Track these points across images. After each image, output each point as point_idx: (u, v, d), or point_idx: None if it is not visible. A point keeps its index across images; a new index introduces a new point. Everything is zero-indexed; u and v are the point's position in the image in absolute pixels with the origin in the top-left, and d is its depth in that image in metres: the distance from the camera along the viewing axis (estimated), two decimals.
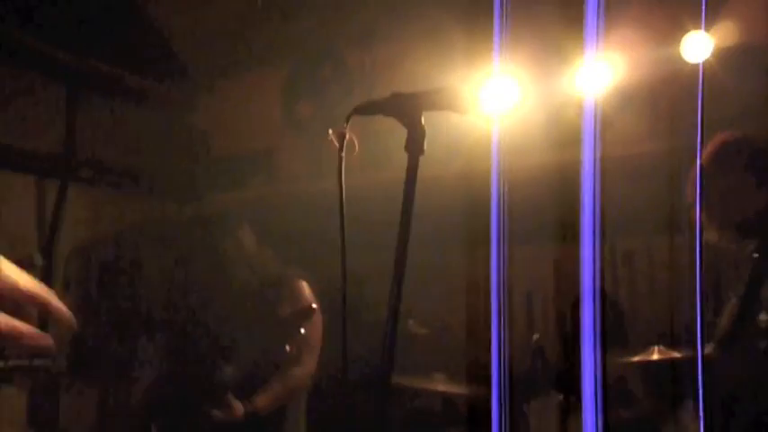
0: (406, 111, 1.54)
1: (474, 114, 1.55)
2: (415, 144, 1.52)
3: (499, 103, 2.81)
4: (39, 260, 2.85)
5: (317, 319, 2.93)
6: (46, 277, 4.20)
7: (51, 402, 3.74)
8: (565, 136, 2.65)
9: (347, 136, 1.55)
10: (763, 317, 2.08)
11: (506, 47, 2.51)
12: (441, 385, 3.30)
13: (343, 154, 1.54)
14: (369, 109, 1.59)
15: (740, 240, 2.36)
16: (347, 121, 1.54)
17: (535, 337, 3.16)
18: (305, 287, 3.13)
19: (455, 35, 3.23)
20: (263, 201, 4.24)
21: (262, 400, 2.96)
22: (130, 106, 4.46)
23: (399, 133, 1.68)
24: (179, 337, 3.35)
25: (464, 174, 3.31)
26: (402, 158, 1.68)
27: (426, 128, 1.72)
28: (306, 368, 3.00)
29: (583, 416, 2.96)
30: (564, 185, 2.66)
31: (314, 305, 2.84)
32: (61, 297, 3.55)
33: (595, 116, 2.48)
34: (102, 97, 4.41)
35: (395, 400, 3.39)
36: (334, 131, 1.54)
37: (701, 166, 2.39)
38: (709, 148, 2.40)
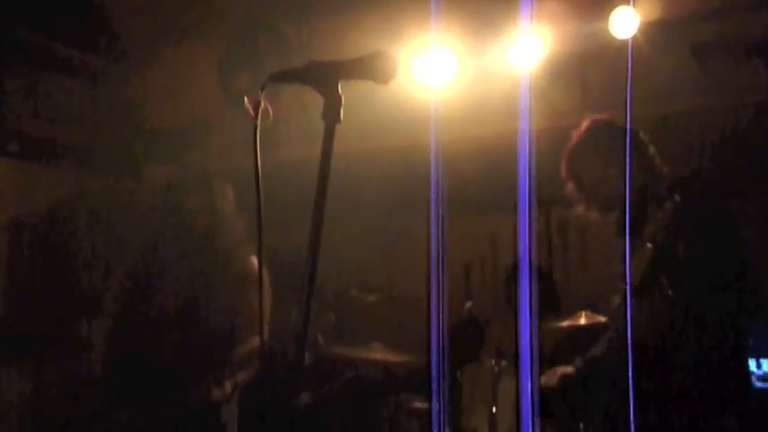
0: (323, 79, 1.51)
1: (394, 84, 1.53)
2: (331, 113, 1.50)
3: (436, 76, 2.80)
4: None
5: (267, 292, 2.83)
6: None
7: None
8: (500, 108, 2.66)
9: (262, 104, 1.51)
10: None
11: (442, 20, 2.50)
12: (379, 354, 3.31)
13: (258, 122, 1.50)
14: (285, 77, 1.56)
15: (604, 213, 2.45)
16: (262, 90, 1.51)
17: (468, 304, 3.19)
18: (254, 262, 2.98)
19: (393, 7, 3.20)
20: (201, 174, 4.16)
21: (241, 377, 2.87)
22: (63, 79, 4.29)
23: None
24: (121, 314, 3.24)
25: (403, 146, 3.30)
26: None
27: (365, 100, 1.72)
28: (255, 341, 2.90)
29: (518, 379, 3.02)
30: (500, 157, 2.68)
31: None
32: None
33: (530, 89, 2.50)
34: (34, 69, 4.24)
35: (335, 369, 3.39)
36: (249, 99, 1.50)
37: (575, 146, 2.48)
38: (580, 129, 2.50)
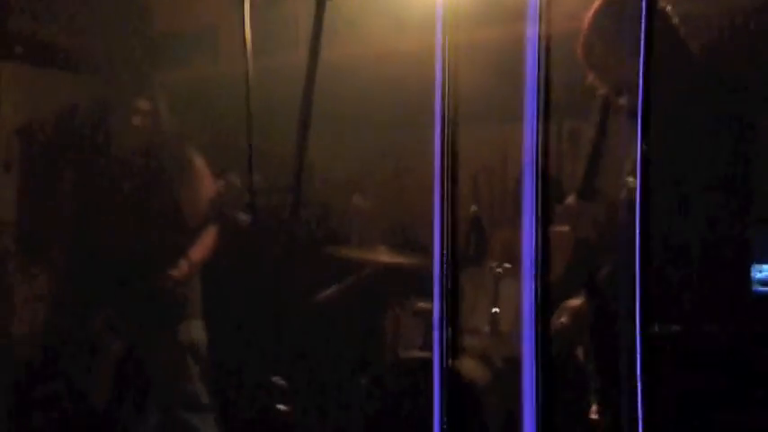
0: None
1: None
2: None
3: None
4: None
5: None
6: None
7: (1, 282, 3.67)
8: (513, 8, 2.58)
9: None
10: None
11: None
12: (385, 256, 3.34)
13: None
14: None
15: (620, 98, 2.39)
16: None
17: (473, 208, 3.20)
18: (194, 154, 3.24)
19: None
20: (208, 79, 4.10)
21: (195, 255, 3.13)
22: None
23: None
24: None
25: (408, 51, 3.23)
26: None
27: (370, 6, 1.69)
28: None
29: (521, 281, 3.06)
30: (509, 63, 2.62)
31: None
32: (2, 179, 3.43)
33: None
34: None
35: (338, 270, 3.43)
36: None
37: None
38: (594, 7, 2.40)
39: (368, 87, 3.38)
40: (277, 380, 2.59)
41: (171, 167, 3.21)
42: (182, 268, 3.11)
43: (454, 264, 2.35)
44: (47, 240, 3.77)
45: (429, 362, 3.12)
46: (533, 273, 1.93)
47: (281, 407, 2.38)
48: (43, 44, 4.22)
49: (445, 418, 2.07)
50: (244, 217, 3.07)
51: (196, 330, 3.24)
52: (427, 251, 3.37)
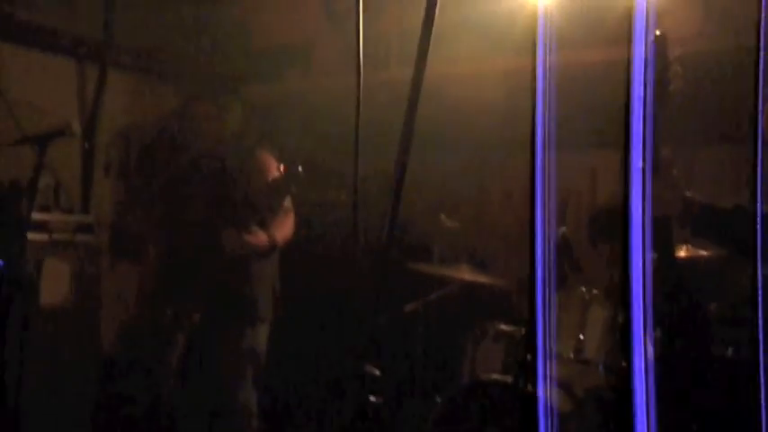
0: None
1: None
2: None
3: None
4: (77, 128, 2.74)
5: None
6: (87, 159, 4.13)
7: (93, 275, 3.70)
8: (613, 31, 2.44)
9: None
10: None
11: None
12: (467, 275, 3.22)
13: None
14: None
15: None
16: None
17: (562, 230, 3.05)
18: (270, 158, 3.28)
19: None
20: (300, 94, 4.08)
21: (278, 232, 3.15)
22: None
23: None
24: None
25: (506, 70, 3.12)
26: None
27: (467, 23, 1.60)
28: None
29: (608, 308, 2.89)
30: (611, 85, 2.48)
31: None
32: (102, 180, 3.44)
33: (647, 10, 2.26)
34: None
35: (421, 287, 3.33)
36: None
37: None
38: None
39: (460, 107, 3.29)
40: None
41: (241, 166, 3.22)
42: (259, 236, 3.08)
43: (547, 288, 2.21)
44: (139, 239, 3.79)
45: (508, 386, 2.99)
46: (641, 300, 1.77)
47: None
48: (147, 54, 4.29)
49: None
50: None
51: (261, 336, 3.19)
52: (511, 273, 3.25)
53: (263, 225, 3.14)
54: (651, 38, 2.32)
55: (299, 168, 2.91)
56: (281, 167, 3.09)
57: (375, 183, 2.52)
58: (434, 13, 1.65)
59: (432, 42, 2.76)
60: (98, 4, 4.06)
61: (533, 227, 2.21)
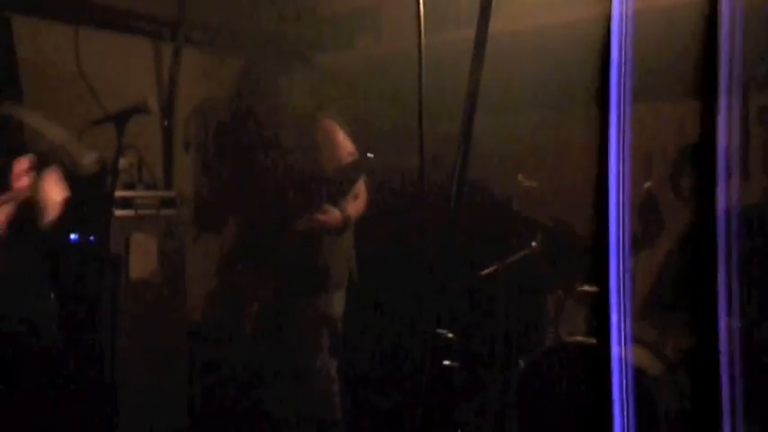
0: None
1: None
2: None
3: None
4: (154, 105, 2.78)
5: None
6: (167, 137, 4.22)
7: (178, 248, 3.78)
8: None
9: None
10: None
11: None
12: (547, 235, 3.14)
13: None
14: None
15: None
16: None
17: (647, 184, 2.90)
18: (336, 128, 3.21)
19: None
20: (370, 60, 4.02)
21: (351, 209, 3.14)
22: None
23: None
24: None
25: (579, 18, 2.97)
26: None
27: None
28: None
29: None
30: (692, 33, 2.32)
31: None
32: (182, 158, 3.47)
33: None
34: None
35: (501, 249, 3.25)
36: None
37: None
38: None
39: (533, 61, 3.17)
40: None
41: (312, 141, 3.20)
42: (332, 214, 3.07)
43: (628, 246, 2.11)
44: (219, 212, 3.86)
45: (592, 348, 2.90)
46: (726, 256, 1.67)
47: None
48: (217, 30, 4.32)
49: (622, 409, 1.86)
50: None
51: (337, 303, 3.20)
52: (591, 231, 3.14)
53: (337, 203, 3.13)
54: None
55: (370, 155, 2.89)
56: (352, 150, 3.07)
57: (446, 145, 2.46)
58: None
59: None
60: None
61: (609, 183, 2.12)
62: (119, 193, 3.40)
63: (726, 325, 1.62)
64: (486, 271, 3.12)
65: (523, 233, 3.20)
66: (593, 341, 2.89)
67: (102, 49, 3.87)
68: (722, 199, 1.78)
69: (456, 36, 3.27)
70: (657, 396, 2.68)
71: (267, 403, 3.23)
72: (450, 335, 1.73)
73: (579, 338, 2.99)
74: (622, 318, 1.97)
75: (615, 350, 1.99)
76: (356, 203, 3.19)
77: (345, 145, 3.18)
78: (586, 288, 3.08)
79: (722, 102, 2.06)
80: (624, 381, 1.95)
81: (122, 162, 3.56)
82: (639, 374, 2.64)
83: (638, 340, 2.79)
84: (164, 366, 3.50)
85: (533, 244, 3.17)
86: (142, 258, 3.56)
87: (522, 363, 3.08)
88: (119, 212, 3.43)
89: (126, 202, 3.49)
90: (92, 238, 3.35)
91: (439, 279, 1.91)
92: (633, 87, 2.56)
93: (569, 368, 2.95)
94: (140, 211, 3.54)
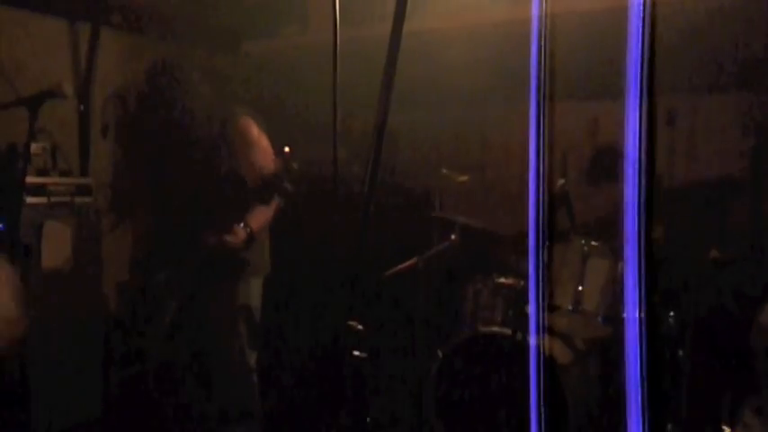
0: None
1: None
2: None
3: None
4: (68, 89, 2.68)
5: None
6: (84, 120, 4.07)
7: (93, 237, 3.67)
8: None
9: None
10: None
11: None
12: (467, 228, 3.20)
13: None
14: None
15: None
16: None
17: (561, 181, 3.00)
18: (251, 124, 3.15)
19: None
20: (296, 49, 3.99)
21: (254, 223, 3.07)
22: None
23: None
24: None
25: (502, 21, 3.04)
26: None
27: None
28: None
29: (609, 260, 2.87)
30: (610, 36, 2.41)
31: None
32: (99, 141, 3.37)
33: None
34: None
35: (420, 240, 3.30)
36: None
37: None
38: None
39: (458, 60, 3.22)
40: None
41: (222, 136, 3.15)
42: (239, 234, 3.02)
43: (546, 239, 2.18)
44: (133, 200, 3.76)
45: (508, 338, 2.98)
46: (636, 252, 1.75)
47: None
48: (138, 11, 4.19)
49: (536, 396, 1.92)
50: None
51: (254, 292, 3.18)
52: (510, 226, 3.22)
53: (243, 221, 3.08)
54: None
55: (294, 165, 2.85)
56: (268, 151, 3.02)
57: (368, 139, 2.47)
58: None
59: None
60: None
61: (529, 180, 2.17)
62: (31, 180, 3.27)
63: (633, 317, 1.71)
64: (406, 264, 3.16)
65: (444, 226, 3.26)
66: (509, 331, 2.98)
67: (15, 29, 3.70)
68: (631, 194, 1.86)
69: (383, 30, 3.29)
70: (566, 384, 2.79)
71: (183, 394, 3.19)
72: (360, 326, 1.75)
73: (495, 329, 3.07)
74: (540, 309, 2.04)
75: (533, 340, 2.06)
76: (264, 214, 3.13)
77: (261, 145, 3.13)
78: (503, 280, 3.16)
79: (631, 103, 2.15)
80: (540, 370, 2.02)
81: (35, 147, 3.42)
82: (551, 363, 2.74)
83: (550, 330, 2.89)
84: (78, 356, 3.40)
85: (452, 237, 3.23)
86: (55, 247, 3.43)
87: (440, 352, 3.14)
88: (31, 199, 3.30)
89: (39, 189, 3.36)
90: (1, 225, 3.22)
91: (352, 272, 1.92)
92: (552, 87, 2.64)
93: (486, 357, 3.03)
94: (54, 199, 3.42)
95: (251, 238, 3.07)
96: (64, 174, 3.56)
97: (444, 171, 3.27)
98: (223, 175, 3.12)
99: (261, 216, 3.10)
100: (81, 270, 3.54)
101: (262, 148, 3.11)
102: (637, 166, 1.92)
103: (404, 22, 1.87)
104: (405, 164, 3.49)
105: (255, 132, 3.14)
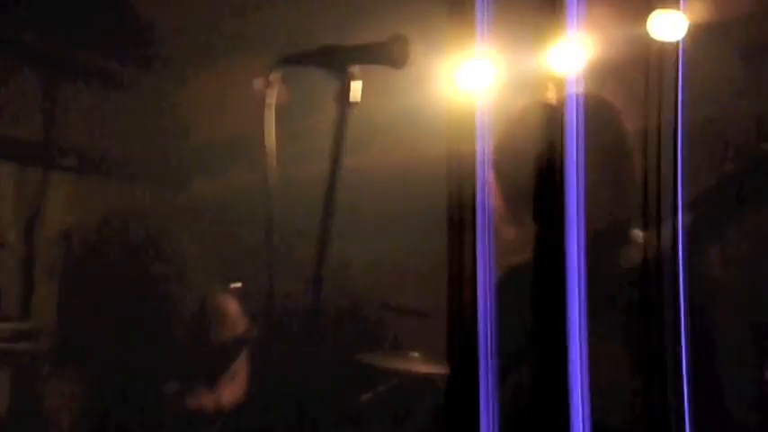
0: (336, 63, 1.42)
1: (410, 69, 1.39)
2: (343, 97, 1.43)
3: (480, 82, 2.57)
4: (11, 237, 2.61)
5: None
6: (28, 262, 3.96)
7: (35, 387, 3.48)
8: (545, 119, 2.45)
9: (274, 85, 1.39)
10: None
11: (486, 26, 2.29)
12: (419, 365, 3.10)
13: (271, 101, 1.39)
14: (298, 59, 1.47)
15: None
16: (274, 70, 1.38)
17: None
18: (231, 304, 2.93)
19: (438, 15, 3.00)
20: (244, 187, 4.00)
21: (228, 394, 2.80)
22: (112, 94, 4.20)
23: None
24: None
25: (446, 156, 3.09)
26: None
27: (408, 109, 1.60)
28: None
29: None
30: (548, 168, 2.45)
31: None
32: (45, 283, 3.23)
33: (577, 97, 2.28)
34: (86, 86, 4.16)
35: (371, 380, 3.20)
36: (259, 80, 1.37)
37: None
38: None
39: (390, 196, 3.25)
40: None
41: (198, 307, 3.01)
42: (204, 401, 2.74)
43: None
44: (82, 348, 3.60)
45: None
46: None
47: None
48: (89, 154, 4.21)
49: None
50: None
51: None
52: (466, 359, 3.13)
53: (213, 384, 2.84)
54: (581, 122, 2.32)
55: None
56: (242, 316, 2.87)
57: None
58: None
59: (360, 133, 2.72)
60: (37, 106, 3.99)
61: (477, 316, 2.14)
62: None
63: (574, 320, 1.68)
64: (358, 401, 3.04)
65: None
66: None
67: None
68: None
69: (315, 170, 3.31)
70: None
71: None
72: None
73: None
74: None
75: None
76: (233, 387, 2.96)
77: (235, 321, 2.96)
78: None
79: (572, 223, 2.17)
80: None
81: None
82: None
83: None
84: None
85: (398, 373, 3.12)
86: None
87: None
88: None
89: None
90: None
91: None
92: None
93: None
94: None
95: (219, 410, 2.83)
96: (3, 319, 3.43)
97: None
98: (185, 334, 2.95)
99: (230, 388, 2.87)
100: (23, 419, 3.34)
101: (234, 316, 2.93)
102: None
103: (341, 161, 1.87)
104: (349, 298, 3.44)
105: (230, 304, 2.97)
